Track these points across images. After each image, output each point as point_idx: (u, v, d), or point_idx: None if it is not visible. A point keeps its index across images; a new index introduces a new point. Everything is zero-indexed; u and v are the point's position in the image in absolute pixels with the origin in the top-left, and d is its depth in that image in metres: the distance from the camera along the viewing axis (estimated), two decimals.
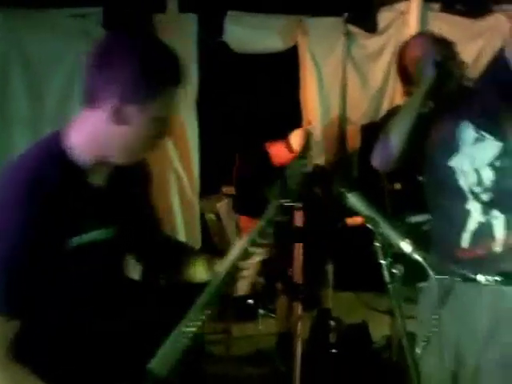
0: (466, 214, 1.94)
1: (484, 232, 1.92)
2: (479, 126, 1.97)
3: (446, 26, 4.10)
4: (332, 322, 3.16)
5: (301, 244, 3.01)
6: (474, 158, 1.94)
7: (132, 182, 1.54)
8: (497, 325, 1.90)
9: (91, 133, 1.37)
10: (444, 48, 2.02)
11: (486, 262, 1.91)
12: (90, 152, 1.37)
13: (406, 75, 2.09)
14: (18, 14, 2.86)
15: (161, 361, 1.40)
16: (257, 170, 3.36)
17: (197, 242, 3.51)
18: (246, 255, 1.52)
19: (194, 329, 1.44)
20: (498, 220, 1.91)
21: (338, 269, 3.43)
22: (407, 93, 2.11)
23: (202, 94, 3.42)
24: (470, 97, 2.03)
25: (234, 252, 1.53)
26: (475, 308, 1.92)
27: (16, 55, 3.10)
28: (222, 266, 1.52)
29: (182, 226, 3.46)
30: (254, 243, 1.53)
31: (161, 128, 1.40)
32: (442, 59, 1.94)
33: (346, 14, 3.80)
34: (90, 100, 1.35)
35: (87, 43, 2.95)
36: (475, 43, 4.08)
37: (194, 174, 3.46)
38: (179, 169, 3.43)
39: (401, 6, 3.98)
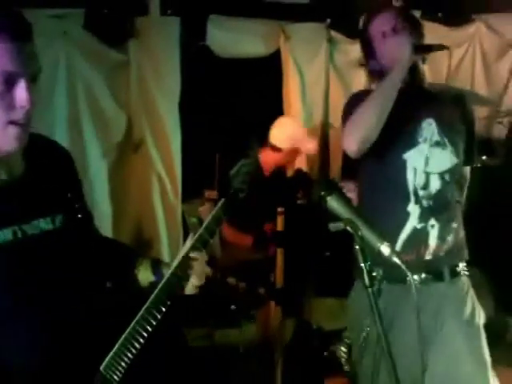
0: (405, 216, 1.91)
1: (418, 238, 1.91)
2: (443, 129, 1.95)
3: (426, 33, 4.13)
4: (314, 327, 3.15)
5: (282, 249, 3.01)
6: (428, 160, 1.91)
7: (54, 173, 1.42)
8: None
9: None
10: (415, 27, 1.98)
11: (412, 267, 1.76)
12: None
13: (371, 49, 2.02)
14: None
15: (111, 364, 1.38)
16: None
17: (178, 247, 3.48)
18: (194, 250, 1.51)
19: (145, 331, 1.41)
20: (434, 229, 1.91)
21: (320, 274, 3.42)
22: (372, 70, 2.04)
23: (185, 97, 3.41)
24: (435, 98, 2.01)
25: (183, 250, 1.52)
26: (404, 308, 1.84)
27: None
28: (172, 264, 1.50)
29: (165, 230, 3.44)
30: (201, 240, 1.53)
31: (7, 96, 1.21)
32: (420, 44, 1.92)
33: (328, 20, 3.82)
34: None
35: (68, 44, 2.92)
36: (455, 51, 4.13)
37: (177, 177, 3.44)
38: (161, 172, 3.41)
39: None
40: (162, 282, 1.49)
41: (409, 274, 1.38)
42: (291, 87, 3.82)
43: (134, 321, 1.43)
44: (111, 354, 1.39)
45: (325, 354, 3.09)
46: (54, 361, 1.32)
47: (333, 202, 1.46)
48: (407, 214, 1.92)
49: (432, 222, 1.92)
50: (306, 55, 3.82)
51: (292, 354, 3.16)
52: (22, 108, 1.23)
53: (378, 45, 1.99)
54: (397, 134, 1.90)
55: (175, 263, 1.51)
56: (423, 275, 1.92)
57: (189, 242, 1.55)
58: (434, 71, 4.26)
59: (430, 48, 1.95)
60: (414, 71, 1.95)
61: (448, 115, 1.99)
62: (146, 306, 1.45)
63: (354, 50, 3.98)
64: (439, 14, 4.12)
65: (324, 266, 3.39)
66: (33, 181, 1.35)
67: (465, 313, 1.95)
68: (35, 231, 1.31)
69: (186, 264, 1.51)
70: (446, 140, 1.95)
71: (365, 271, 1.42)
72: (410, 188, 1.92)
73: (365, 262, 1.41)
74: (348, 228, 1.43)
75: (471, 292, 2.00)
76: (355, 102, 1.96)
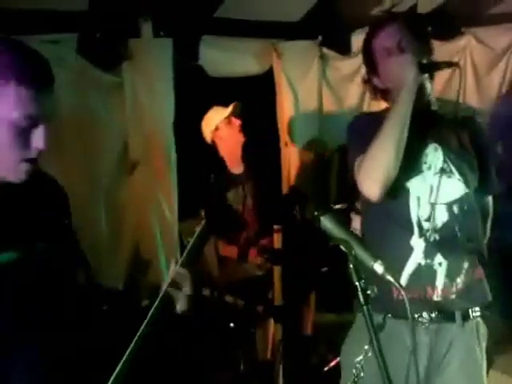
0: (408, 251, 1.77)
1: (424, 277, 1.77)
2: (449, 156, 1.80)
3: None
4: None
5: (280, 266, 3.01)
6: (433, 189, 1.77)
7: (46, 204, 1.46)
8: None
9: None
10: (422, 43, 1.84)
11: (419, 305, 1.75)
12: None
13: (374, 66, 1.88)
14: None
15: None
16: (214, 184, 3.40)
17: None
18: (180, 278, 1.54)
19: (144, 352, 1.44)
20: (442, 267, 1.76)
21: (320, 290, 3.42)
22: (375, 88, 1.89)
23: (179, 117, 3.43)
24: (441, 121, 1.86)
25: (168, 276, 1.55)
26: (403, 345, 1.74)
27: None
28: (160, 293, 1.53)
29: (162, 250, 3.44)
30: (185, 265, 1.55)
31: (26, 137, 1.27)
32: (427, 62, 1.77)
33: (319, 37, 3.86)
34: None
35: (61, 69, 2.94)
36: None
37: (173, 197, 3.45)
38: (158, 193, 3.42)
39: None
40: (156, 301, 1.51)
41: (402, 291, 1.39)
42: (285, 104, 3.85)
43: (133, 342, 1.45)
44: (113, 377, 1.40)
45: (324, 369, 3.09)
46: None
47: (326, 222, 1.48)
48: (410, 249, 1.77)
49: (439, 258, 1.76)
50: (299, 72, 3.86)
51: (291, 371, 3.15)
52: (37, 149, 1.31)
53: (381, 63, 1.85)
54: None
55: (166, 281, 1.54)
56: (433, 314, 1.78)
57: (173, 265, 1.57)
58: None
59: (439, 66, 1.81)
60: (419, 91, 1.76)
61: (455, 140, 1.84)
62: (142, 328, 1.47)
63: (346, 66, 4.04)
64: (429, 29, 4.16)
65: (323, 281, 3.39)
66: (27, 208, 1.39)
67: (472, 360, 1.82)
68: (30, 256, 1.35)
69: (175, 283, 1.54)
70: (452, 167, 1.80)
71: (359, 289, 1.43)
72: (414, 219, 1.77)
73: (359, 280, 1.42)
74: (342, 247, 1.45)
75: (483, 339, 1.85)
76: (359, 126, 1.87)
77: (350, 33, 4.03)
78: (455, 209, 1.79)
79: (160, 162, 3.40)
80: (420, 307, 1.77)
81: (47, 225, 1.43)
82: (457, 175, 1.80)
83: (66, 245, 1.48)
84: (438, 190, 1.77)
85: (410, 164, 1.76)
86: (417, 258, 1.78)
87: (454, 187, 1.80)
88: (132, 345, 1.45)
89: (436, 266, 1.78)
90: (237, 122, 3.50)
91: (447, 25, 4.19)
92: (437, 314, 1.78)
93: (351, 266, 1.42)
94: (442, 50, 4.13)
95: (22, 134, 1.28)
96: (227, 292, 3.12)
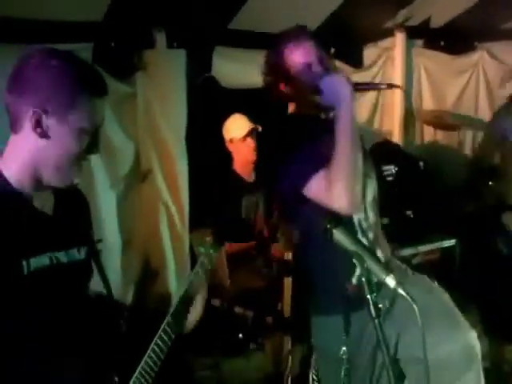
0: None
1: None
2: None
3: (429, 61, 4.21)
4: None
5: (290, 278, 3.01)
6: (364, 192, 1.97)
7: (75, 211, 1.54)
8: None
9: (21, 156, 1.35)
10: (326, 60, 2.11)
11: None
12: (25, 176, 1.36)
13: (287, 75, 2.09)
14: (8, 50, 2.90)
15: None
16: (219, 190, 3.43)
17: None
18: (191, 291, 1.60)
19: (156, 364, 1.49)
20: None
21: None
22: (317, 104, 2.02)
23: (191, 128, 3.45)
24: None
25: (179, 291, 1.60)
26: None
27: None
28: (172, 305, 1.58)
29: (172, 259, 3.45)
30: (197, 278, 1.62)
31: (86, 142, 1.38)
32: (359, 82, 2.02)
33: (332, 50, 3.88)
34: (15, 124, 1.35)
35: None
36: (458, 79, 4.19)
37: (184, 207, 3.46)
38: (169, 202, 3.43)
39: (386, 43, 4.09)
40: (169, 314, 1.55)
41: (414, 305, 1.39)
42: None
43: (146, 355, 1.49)
44: None
45: None
46: None
47: (338, 235, 1.49)
48: None
49: (379, 254, 2.01)
50: None
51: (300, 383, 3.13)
52: (91, 155, 1.42)
53: (302, 76, 2.04)
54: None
55: (178, 296, 1.58)
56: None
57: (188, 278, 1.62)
58: (437, 98, 4.32)
59: (369, 86, 2.25)
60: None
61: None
62: (154, 340, 1.51)
63: (358, 79, 4.04)
64: (442, 43, 4.18)
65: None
66: (62, 215, 1.46)
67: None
68: (65, 260, 1.41)
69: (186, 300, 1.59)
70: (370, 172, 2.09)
71: (371, 302, 1.43)
72: (355, 221, 1.98)
73: (371, 293, 1.43)
74: (354, 260, 1.45)
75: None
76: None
77: (362, 46, 4.05)
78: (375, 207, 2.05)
79: (172, 171, 3.41)
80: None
81: (76, 232, 1.49)
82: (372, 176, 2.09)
83: (92, 254, 1.53)
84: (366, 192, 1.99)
85: None
86: None
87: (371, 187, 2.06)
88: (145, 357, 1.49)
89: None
90: (251, 144, 3.53)
91: (460, 39, 4.20)
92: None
93: (363, 279, 1.43)
94: (454, 64, 4.16)
95: (87, 140, 1.38)
96: (237, 303, 3.11)
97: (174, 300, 1.58)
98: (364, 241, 1.96)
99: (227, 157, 3.63)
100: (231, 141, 3.55)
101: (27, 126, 1.33)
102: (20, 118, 1.33)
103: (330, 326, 1.97)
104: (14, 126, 1.36)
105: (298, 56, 2.09)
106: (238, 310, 3.12)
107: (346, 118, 1.86)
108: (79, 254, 1.45)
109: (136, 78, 3.31)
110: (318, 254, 1.94)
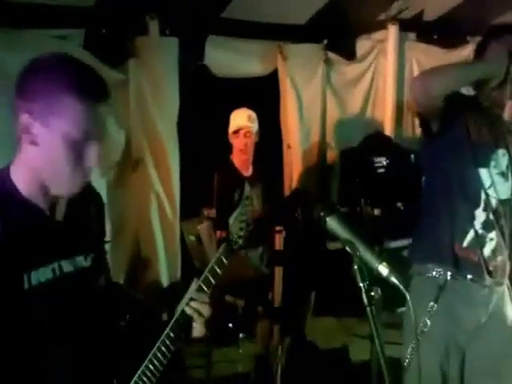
0: (471, 219, 2.09)
1: (476, 242, 2.09)
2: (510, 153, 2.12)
3: (422, 54, 4.22)
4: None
5: (281, 268, 3.02)
6: (493, 184, 2.08)
7: (88, 214, 1.49)
8: (485, 321, 2.09)
9: (26, 165, 1.30)
10: None
11: (475, 267, 2.09)
12: (33, 186, 1.31)
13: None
14: None
15: None
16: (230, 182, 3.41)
17: (177, 265, 3.49)
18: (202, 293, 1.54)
19: (156, 370, 1.47)
20: (491, 243, 2.10)
21: (319, 293, 3.42)
22: None
23: (183, 116, 3.43)
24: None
25: (190, 291, 1.54)
26: (465, 304, 2.08)
27: None
28: (180, 306, 1.53)
29: (163, 249, 3.44)
30: (206, 283, 1.54)
31: (80, 152, 1.27)
32: None
33: (325, 41, 3.88)
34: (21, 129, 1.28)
35: None
36: None
37: (175, 196, 3.45)
38: (160, 191, 3.42)
39: (378, 35, 4.08)
40: (171, 322, 1.52)
41: (406, 293, 1.40)
42: (288, 107, 3.86)
43: (143, 365, 1.48)
44: None
45: (323, 372, 3.08)
46: None
47: (332, 223, 1.48)
48: (473, 217, 2.10)
49: (492, 235, 2.11)
50: (303, 75, 3.87)
51: (290, 373, 3.15)
52: (88, 168, 1.31)
53: None
54: (477, 150, 2.07)
55: (181, 305, 1.54)
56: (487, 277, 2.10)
57: (194, 286, 1.56)
58: None
59: None
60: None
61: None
62: (157, 345, 1.49)
63: (351, 70, 4.06)
64: (434, 37, 4.19)
65: (322, 284, 3.40)
66: (73, 220, 1.41)
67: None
68: (71, 268, 1.36)
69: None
70: (510, 174, 2.12)
71: (363, 290, 1.43)
72: (482, 195, 2.08)
73: (363, 281, 1.43)
74: (347, 248, 1.45)
75: None
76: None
77: (355, 38, 4.04)
78: (502, 207, 2.12)
79: (163, 159, 3.40)
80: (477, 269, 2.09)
81: (86, 238, 1.45)
82: (510, 182, 2.13)
83: (101, 255, 1.51)
84: (495, 186, 2.10)
85: (482, 157, 2.09)
86: (477, 226, 2.10)
87: (506, 190, 2.13)
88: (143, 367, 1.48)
89: (487, 239, 2.11)
90: (250, 139, 3.50)
91: (453, 33, 4.20)
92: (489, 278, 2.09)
93: (356, 267, 1.43)
94: (446, 58, 4.15)
95: (77, 150, 1.27)
96: (227, 292, 3.12)
97: (180, 307, 1.54)
98: (483, 215, 2.10)
99: (227, 146, 3.60)
100: (231, 134, 3.53)
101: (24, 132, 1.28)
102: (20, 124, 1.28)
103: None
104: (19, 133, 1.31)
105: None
106: (228, 298, 3.12)
107: (482, 66, 2.11)
108: (86, 261, 1.41)
109: (128, 65, 3.28)
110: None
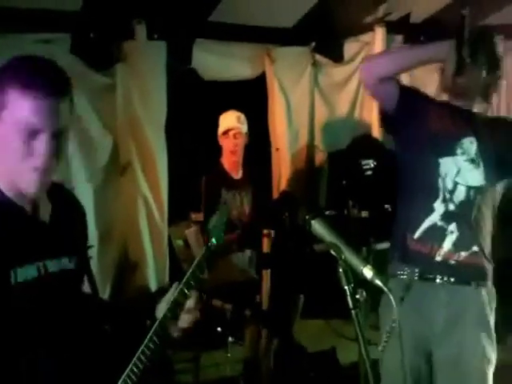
0: (430, 211, 2.08)
1: (436, 236, 2.08)
2: (481, 151, 2.09)
3: None
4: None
5: (268, 271, 3.02)
6: (460, 171, 2.07)
7: (72, 219, 1.52)
8: (451, 322, 2.07)
9: None
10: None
11: (426, 260, 2.07)
12: (6, 182, 1.34)
13: None
14: None
15: None
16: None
17: (165, 269, 3.48)
18: (183, 297, 1.55)
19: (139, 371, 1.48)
20: (451, 236, 2.07)
21: (307, 296, 3.42)
22: None
23: (171, 120, 3.43)
24: (485, 123, 2.17)
25: (171, 294, 1.55)
26: (431, 304, 2.08)
27: None
28: (162, 308, 1.54)
29: (151, 253, 3.43)
30: (188, 286, 1.56)
31: (30, 143, 1.29)
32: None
33: (312, 44, 3.88)
34: None
35: None
36: (436, 75, 4.20)
37: (163, 200, 3.44)
38: (148, 195, 3.41)
39: (366, 37, 4.09)
40: (155, 324, 1.52)
41: (390, 295, 1.40)
42: (276, 109, 3.86)
43: (129, 367, 1.48)
44: None
45: (311, 375, 3.09)
46: None
47: (317, 226, 1.48)
48: (432, 209, 2.08)
49: (453, 227, 2.07)
50: (291, 78, 3.87)
51: (279, 376, 3.15)
52: (39, 158, 1.30)
53: None
54: (438, 140, 2.09)
55: (166, 307, 1.54)
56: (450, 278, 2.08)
57: (173, 289, 1.57)
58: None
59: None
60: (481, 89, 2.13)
61: (492, 140, 2.12)
62: (141, 348, 1.50)
63: (338, 73, 4.06)
64: (421, 38, 4.20)
65: (310, 287, 3.40)
66: (57, 223, 1.44)
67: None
68: (55, 269, 1.39)
69: (175, 308, 1.55)
70: (480, 160, 2.09)
71: (348, 293, 1.43)
72: (440, 187, 2.07)
73: (348, 284, 1.43)
74: (331, 251, 1.45)
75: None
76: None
77: (342, 40, 4.05)
78: (472, 194, 2.08)
79: (151, 163, 3.39)
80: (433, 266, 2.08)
81: (70, 241, 1.46)
82: (481, 168, 2.09)
83: (85, 259, 1.51)
84: (463, 173, 2.07)
85: (447, 146, 2.09)
86: (435, 218, 2.08)
87: (476, 177, 2.09)
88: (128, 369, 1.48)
89: (447, 232, 2.07)
90: (238, 141, 3.50)
91: (439, 35, 4.22)
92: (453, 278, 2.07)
93: (341, 270, 1.43)
94: None
95: (27, 142, 1.29)
96: (215, 296, 3.11)
97: (163, 308, 1.55)
98: (441, 207, 2.07)
99: (216, 150, 3.60)
100: (221, 135, 3.52)
101: None
102: None
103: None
104: None
105: None
106: (216, 302, 3.11)
107: (425, 50, 2.25)
108: (70, 263, 1.43)
109: (115, 70, 3.27)
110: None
